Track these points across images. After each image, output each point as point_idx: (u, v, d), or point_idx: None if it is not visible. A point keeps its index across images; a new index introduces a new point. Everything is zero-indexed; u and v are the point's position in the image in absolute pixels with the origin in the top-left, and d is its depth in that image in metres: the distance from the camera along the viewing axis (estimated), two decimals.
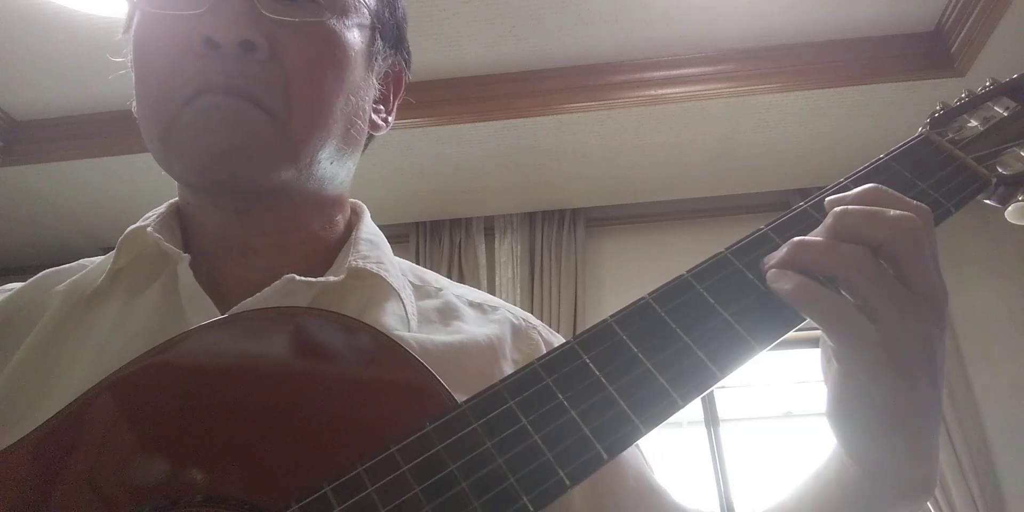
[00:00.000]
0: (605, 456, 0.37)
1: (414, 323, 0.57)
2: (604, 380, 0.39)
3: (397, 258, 0.64)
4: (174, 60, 0.49)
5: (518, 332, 0.62)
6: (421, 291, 0.62)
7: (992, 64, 2.27)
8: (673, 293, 0.43)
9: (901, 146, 0.49)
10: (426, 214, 3.29)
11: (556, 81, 2.48)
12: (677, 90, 2.47)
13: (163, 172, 0.53)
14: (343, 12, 0.54)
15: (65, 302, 0.56)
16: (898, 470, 0.44)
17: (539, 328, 0.64)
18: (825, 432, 0.46)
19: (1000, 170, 0.48)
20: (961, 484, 2.61)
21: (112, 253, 0.57)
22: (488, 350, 0.57)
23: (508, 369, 0.57)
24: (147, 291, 0.55)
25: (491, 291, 3.01)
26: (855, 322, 0.40)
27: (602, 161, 2.88)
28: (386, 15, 0.60)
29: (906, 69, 2.39)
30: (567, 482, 0.36)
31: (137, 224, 0.56)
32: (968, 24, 2.22)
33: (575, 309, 3.01)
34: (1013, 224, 2.53)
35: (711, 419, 2.87)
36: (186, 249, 0.56)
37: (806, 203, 0.46)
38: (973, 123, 0.51)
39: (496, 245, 3.23)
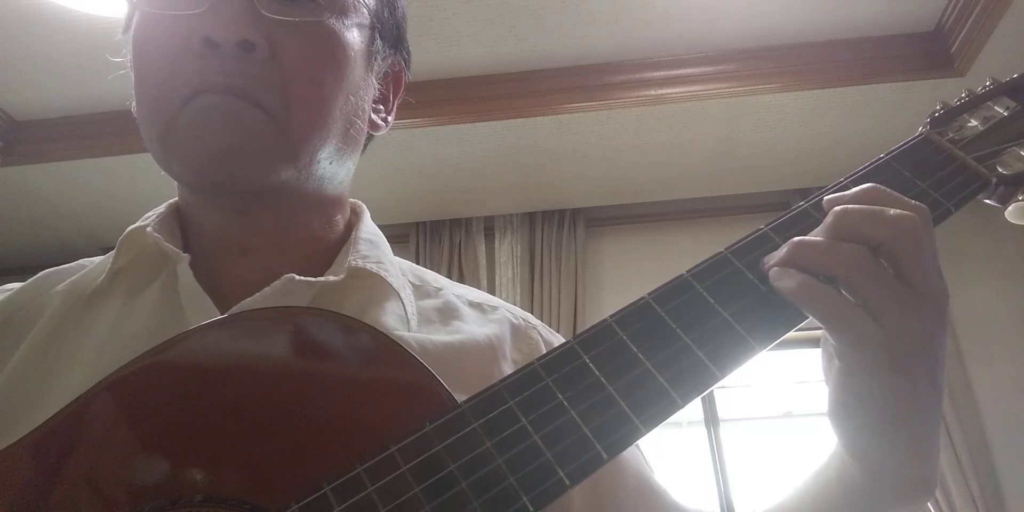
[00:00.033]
0: (605, 456, 0.37)
1: (414, 323, 0.57)
2: (604, 380, 0.39)
3: (397, 258, 0.64)
4: (173, 60, 0.49)
5: (518, 332, 0.62)
6: (421, 291, 0.62)
7: (992, 64, 2.27)
8: (673, 293, 0.43)
9: (901, 146, 0.49)
10: (426, 214, 3.29)
11: (556, 81, 2.48)
12: (677, 90, 2.47)
13: (163, 172, 0.53)
14: (342, 12, 0.54)
15: (65, 302, 0.56)
16: (899, 469, 0.44)
17: (539, 328, 0.64)
18: (826, 432, 0.46)
19: (1000, 170, 0.48)
20: (961, 484, 2.61)
21: (112, 253, 0.57)
22: (488, 350, 0.57)
23: (508, 369, 0.57)
24: (147, 291, 0.55)
25: (491, 291, 3.01)
26: (857, 320, 0.40)
27: (602, 161, 2.88)
28: (385, 15, 0.60)
29: (906, 69, 2.39)
30: (567, 482, 0.36)
31: (137, 224, 0.56)
32: (968, 24, 2.22)
33: (575, 309, 3.01)
34: (1013, 224, 2.54)
35: (711, 419, 2.87)
36: (186, 249, 0.56)
37: (806, 203, 0.46)
38: (973, 123, 0.51)
39: (496, 245, 3.23)
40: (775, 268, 0.42)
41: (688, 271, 0.44)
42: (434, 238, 3.29)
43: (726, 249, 0.44)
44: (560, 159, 2.85)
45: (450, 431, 0.38)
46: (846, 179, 0.47)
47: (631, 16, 2.24)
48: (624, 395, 0.39)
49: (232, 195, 0.54)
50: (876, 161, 0.48)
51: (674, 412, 0.39)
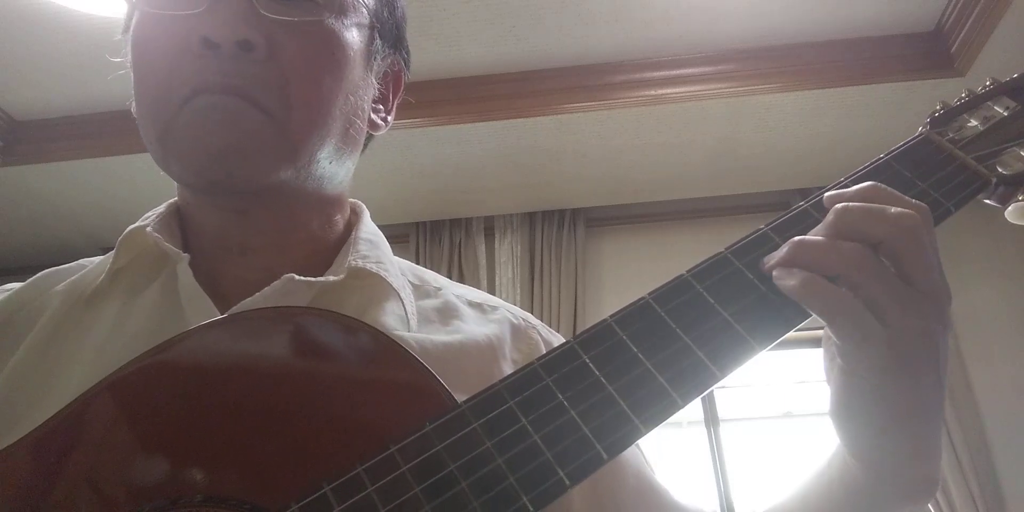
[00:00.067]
0: (605, 456, 0.37)
1: (414, 323, 0.57)
2: (604, 380, 0.39)
3: (396, 258, 0.64)
4: (172, 60, 0.49)
5: (517, 332, 0.62)
6: (421, 291, 0.62)
7: (992, 64, 2.27)
8: (673, 293, 0.43)
9: (901, 146, 0.49)
10: (426, 214, 3.29)
11: (556, 81, 2.48)
12: (677, 90, 2.47)
13: (163, 172, 0.53)
14: (342, 11, 0.54)
15: (64, 302, 0.56)
16: (901, 469, 0.44)
17: (538, 328, 0.64)
18: (827, 431, 0.46)
19: (1000, 170, 0.48)
20: (961, 484, 2.61)
21: (111, 253, 0.57)
22: (488, 350, 0.57)
23: (508, 369, 0.57)
24: (146, 291, 0.55)
25: (491, 291, 3.01)
26: (860, 318, 0.40)
27: (602, 161, 2.88)
28: (385, 14, 0.60)
29: (906, 69, 2.39)
30: (567, 482, 0.36)
31: (137, 224, 0.56)
32: (968, 24, 2.22)
33: (575, 309, 3.01)
34: (1013, 224, 2.54)
35: (711, 419, 2.87)
36: (185, 249, 0.56)
37: (806, 203, 0.46)
38: (973, 123, 0.51)
39: (496, 245, 3.23)
40: (778, 267, 0.42)
41: (688, 271, 0.44)
42: (434, 238, 3.29)
43: (726, 249, 0.44)
44: (560, 159, 2.85)
45: (450, 431, 0.38)
46: (846, 179, 0.47)
47: (631, 16, 2.24)
48: (624, 395, 0.39)
49: (231, 195, 0.53)
50: (876, 161, 0.48)
51: (674, 412, 0.39)
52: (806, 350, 2.91)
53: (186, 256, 0.54)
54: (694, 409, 2.83)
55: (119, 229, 0.56)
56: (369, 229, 0.63)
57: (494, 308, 0.63)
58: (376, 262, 0.58)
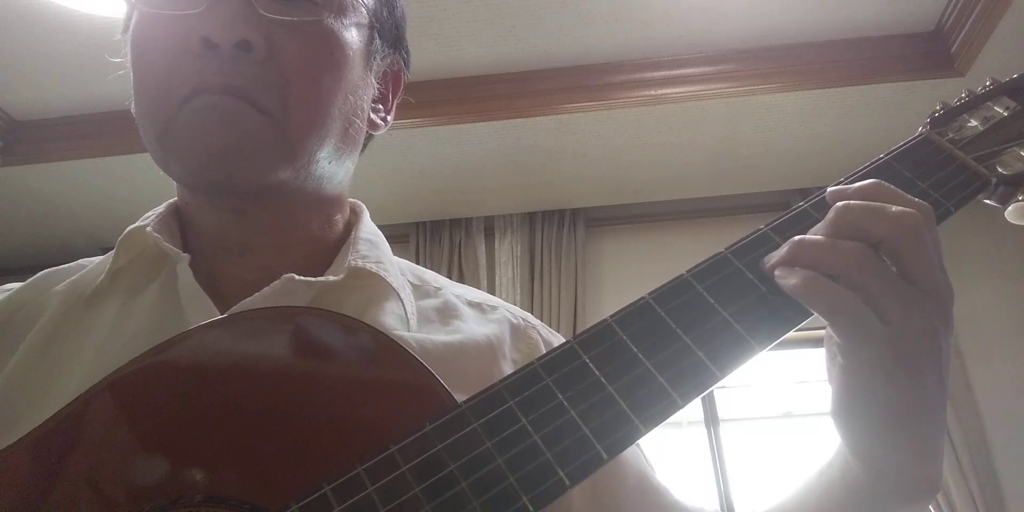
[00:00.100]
0: (605, 456, 0.37)
1: (413, 323, 0.57)
2: (604, 380, 0.39)
3: (396, 258, 0.64)
4: (171, 60, 0.49)
5: (517, 332, 0.62)
6: (420, 291, 0.62)
7: (992, 64, 2.27)
8: (673, 293, 0.43)
9: (901, 146, 0.49)
10: (426, 214, 3.29)
11: (556, 81, 2.48)
12: (677, 90, 2.47)
13: (162, 172, 0.53)
14: (341, 11, 0.54)
15: (64, 302, 0.56)
16: (902, 469, 0.43)
17: (538, 328, 0.64)
18: (828, 431, 0.46)
19: (1000, 170, 0.48)
20: (961, 484, 2.61)
21: (111, 253, 0.57)
22: (487, 350, 0.57)
23: (507, 369, 0.57)
24: (146, 291, 0.55)
25: (491, 291, 3.01)
26: (862, 316, 0.40)
27: (602, 161, 2.88)
28: (384, 14, 0.60)
29: (906, 69, 2.39)
30: (567, 482, 0.36)
31: (136, 224, 0.56)
32: (968, 24, 2.22)
33: (575, 309, 3.01)
34: (1013, 224, 2.54)
35: (711, 419, 2.87)
36: (185, 249, 0.56)
37: (806, 203, 0.46)
38: (973, 123, 0.51)
39: (496, 245, 3.23)
40: (779, 266, 0.42)
41: (688, 271, 0.44)
42: (434, 238, 3.29)
43: (726, 249, 0.44)
44: (560, 159, 2.84)
45: (450, 431, 0.38)
46: (846, 179, 0.47)
47: (631, 16, 2.24)
48: (624, 395, 0.39)
49: (231, 195, 0.53)
50: (876, 161, 0.48)
51: (674, 412, 0.39)
52: (806, 350, 2.91)
53: (186, 256, 0.54)
54: (694, 409, 2.83)
55: (119, 229, 0.56)
56: (369, 229, 0.63)
57: (494, 308, 0.63)
58: (376, 262, 0.58)
